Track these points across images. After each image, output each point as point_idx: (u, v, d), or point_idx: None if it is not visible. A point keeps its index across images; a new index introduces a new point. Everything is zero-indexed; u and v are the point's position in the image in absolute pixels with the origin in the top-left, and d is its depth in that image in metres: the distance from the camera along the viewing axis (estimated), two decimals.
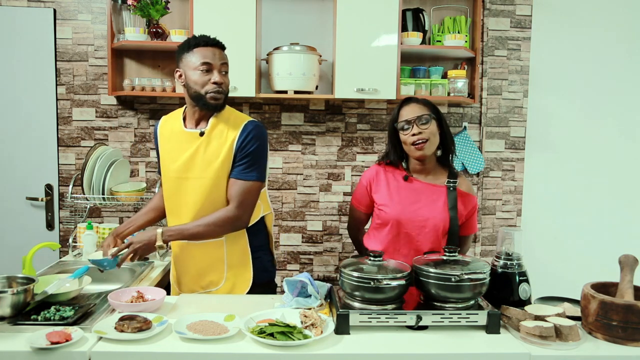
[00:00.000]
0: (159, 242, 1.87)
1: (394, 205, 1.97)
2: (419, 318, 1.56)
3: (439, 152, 2.00)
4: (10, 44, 2.95)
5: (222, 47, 1.94)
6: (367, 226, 2.20)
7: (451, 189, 1.99)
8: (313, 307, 1.69)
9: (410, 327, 1.59)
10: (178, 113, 2.05)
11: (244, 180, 1.90)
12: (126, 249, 1.87)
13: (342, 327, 1.55)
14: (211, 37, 1.93)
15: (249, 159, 1.90)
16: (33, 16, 2.96)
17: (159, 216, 2.17)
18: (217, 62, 1.89)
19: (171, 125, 2.03)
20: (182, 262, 2.05)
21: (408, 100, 2.00)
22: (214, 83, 1.88)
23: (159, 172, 2.11)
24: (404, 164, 2.05)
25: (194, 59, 1.89)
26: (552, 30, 3.17)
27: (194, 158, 1.94)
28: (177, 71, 1.95)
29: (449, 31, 3.01)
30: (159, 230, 1.88)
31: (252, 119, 1.97)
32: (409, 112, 1.95)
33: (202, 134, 1.93)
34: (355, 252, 2.32)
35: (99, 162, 2.60)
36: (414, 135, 1.92)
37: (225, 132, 1.92)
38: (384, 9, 2.75)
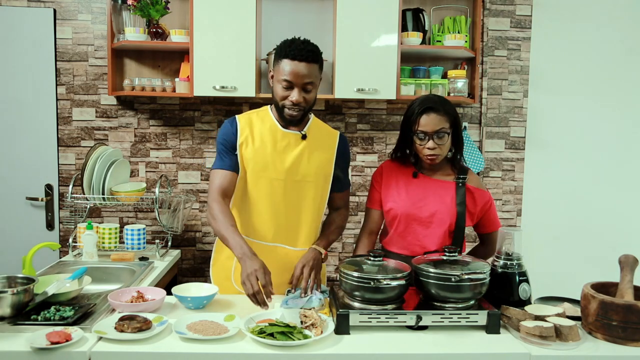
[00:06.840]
0: (324, 255, 1.92)
1: (402, 201, 1.96)
2: (419, 318, 1.56)
3: (449, 155, 1.98)
4: (10, 44, 2.95)
5: (312, 61, 1.80)
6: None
7: (460, 184, 1.97)
8: (313, 307, 1.69)
9: (410, 327, 1.60)
10: (262, 112, 1.97)
11: (348, 188, 2.10)
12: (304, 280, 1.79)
13: (342, 327, 1.56)
14: (304, 48, 1.79)
15: (347, 169, 2.08)
16: (33, 16, 2.96)
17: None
18: (300, 81, 1.79)
19: (259, 123, 1.93)
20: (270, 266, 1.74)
21: (430, 109, 1.86)
22: (291, 102, 1.82)
23: (229, 168, 1.90)
24: (412, 159, 2.01)
25: (279, 70, 1.81)
26: (552, 30, 3.17)
27: (300, 160, 1.91)
28: (270, 71, 1.92)
29: (449, 31, 3.01)
30: (318, 248, 1.90)
31: (337, 130, 2.06)
32: (427, 123, 1.86)
33: (304, 137, 1.92)
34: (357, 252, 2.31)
35: (99, 162, 2.60)
36: (428, 148, 1.88)
37: (323, 140, 1.96)
38: (383, 9, 2.74)
